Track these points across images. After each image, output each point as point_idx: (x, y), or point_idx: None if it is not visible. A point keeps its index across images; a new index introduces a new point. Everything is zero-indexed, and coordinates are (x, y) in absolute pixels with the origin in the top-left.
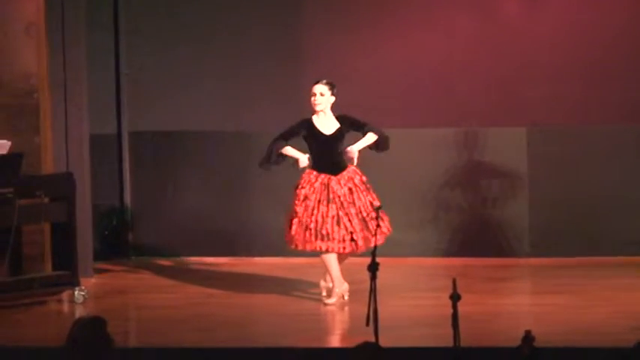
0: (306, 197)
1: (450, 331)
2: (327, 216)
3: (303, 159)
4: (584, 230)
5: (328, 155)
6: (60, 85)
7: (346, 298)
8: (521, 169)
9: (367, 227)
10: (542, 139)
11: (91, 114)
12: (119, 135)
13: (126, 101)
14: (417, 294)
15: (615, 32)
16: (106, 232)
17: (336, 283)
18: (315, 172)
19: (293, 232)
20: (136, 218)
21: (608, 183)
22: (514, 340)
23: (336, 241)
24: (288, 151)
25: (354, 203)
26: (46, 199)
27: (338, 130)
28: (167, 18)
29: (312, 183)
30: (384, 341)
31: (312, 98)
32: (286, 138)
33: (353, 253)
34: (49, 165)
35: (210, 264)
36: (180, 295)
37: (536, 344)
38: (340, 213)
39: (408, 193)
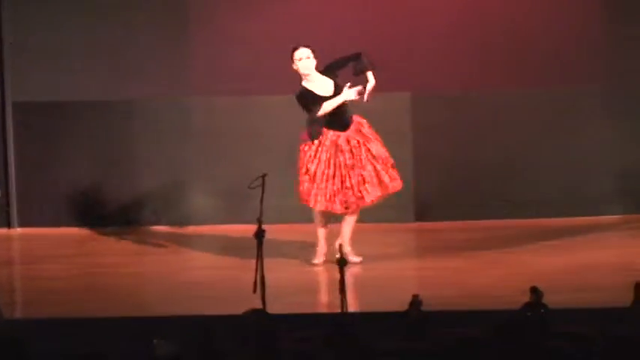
0: (316, 157)
1: (337, 296)
2: (334, 176)
3: (349, 92)
4: (473, 194)
5: (338, 115)
6: None
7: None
8: (406, 135)
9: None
10: (426, 104)
11: None
12: (2, 105)
13: (10, 71)
14: (305, 260)
15: None
16: None
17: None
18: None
19: (307, 191)
20: (22, 188)
21: (496, 147)
22: (402, 304)
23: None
24: (331, 104)
25: (367, 157)
26: None
27: (335, 86)
28: None
29: (322, 142)
30: (272, 308)
31: (300, 64)
32: (316, 106)
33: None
34: None
35: (98, 234)
36: (68, 265)
37: (424, 308)
38: (346, 172)
39: (280, 160)
